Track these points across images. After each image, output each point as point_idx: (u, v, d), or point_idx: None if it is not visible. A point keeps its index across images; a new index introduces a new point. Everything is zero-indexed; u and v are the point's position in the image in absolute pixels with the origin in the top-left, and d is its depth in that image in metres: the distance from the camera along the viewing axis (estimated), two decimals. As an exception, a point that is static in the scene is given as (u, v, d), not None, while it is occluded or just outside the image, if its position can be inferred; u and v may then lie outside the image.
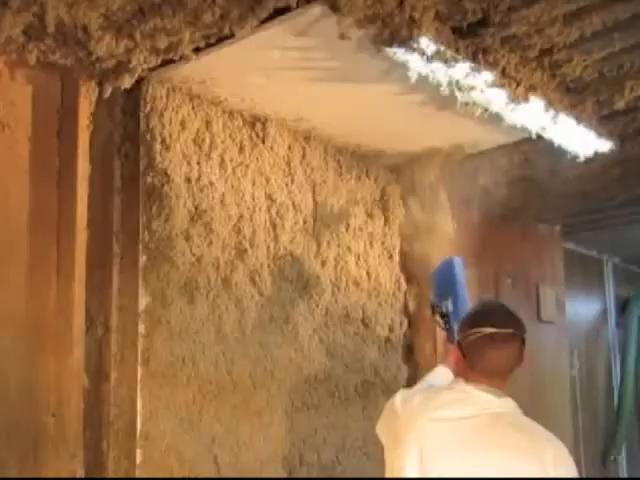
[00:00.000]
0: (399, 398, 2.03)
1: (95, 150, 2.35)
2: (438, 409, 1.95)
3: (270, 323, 2.66)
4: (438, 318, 2.57)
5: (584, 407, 4.47)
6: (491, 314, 2.05)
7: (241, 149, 2.65)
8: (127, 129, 2.42)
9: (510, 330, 1.98)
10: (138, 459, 2.25)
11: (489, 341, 1.97)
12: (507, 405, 1.98)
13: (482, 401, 1.97)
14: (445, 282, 2.64)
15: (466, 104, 2.40)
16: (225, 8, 1.95)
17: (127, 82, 2.26)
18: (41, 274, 2.23)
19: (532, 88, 2.35)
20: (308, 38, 2.09)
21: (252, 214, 2.65)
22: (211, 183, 2.54)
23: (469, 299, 2.66)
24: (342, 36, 2.02)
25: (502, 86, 2.29)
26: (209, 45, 2.13)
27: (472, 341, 1.98)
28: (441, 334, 2.92)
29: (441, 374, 2.26)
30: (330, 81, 2.39)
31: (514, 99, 2.34)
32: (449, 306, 2.56)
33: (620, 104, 2.51)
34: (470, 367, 1.98)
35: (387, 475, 1.98)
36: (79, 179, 2.29)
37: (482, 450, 1.88)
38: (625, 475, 4.85)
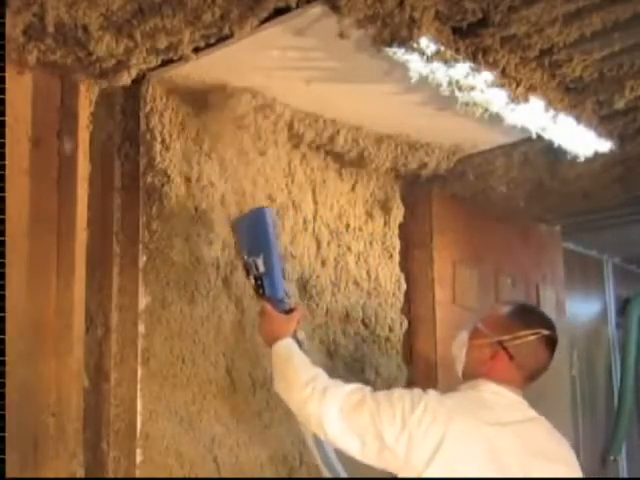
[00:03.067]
0: (433, 400, 1.88)
1: (95, 150, 2.35)
2: (490, 412, 1.87)
3: (270, 323, 2.66)
4: (252, 281, 2.27)
5: (584, 407, 4.46)
6: (541, 315, 2.00)
7: (241, 149, 2.65)
8: (127, 129, 2.42)
9: (556, 333, 1.95)
10: (138, 459, 2.25)
11: (544, 343, 1.92)
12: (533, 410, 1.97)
13: (519, 403, 1.94)
14: (255, 236, 2.30)
15: (466, 104, 2.40)
16: (225, 8, 1.95)
17: (127, 82, 2.26)
18: (41, 274, 2.23)
19: (532, 88, 2.34)
20: (308, 38, 2.09)
21: (252, 214, 2.65)
22: (211, 183, 2.54)
23: (282, 258, 2.40)
24: (342, 36, 2.02)
25: (502, 86, 2.29)
26: (209, 45, 2.13)
27: (528, 342, 1.90)
28: (440, 334, 2.93)
29: (292, 347, 2.12)
30: (330, 81, 2.39)
31: (514, 99, 2.34)
32: (260, 266, 2.23)
33: (620, 104, 2.50)
34: (517, 368, 1.91)
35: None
36: (79, 179, 2.29)
37: (539, 458, 1.88)
38: (625, 475, 4.84)
